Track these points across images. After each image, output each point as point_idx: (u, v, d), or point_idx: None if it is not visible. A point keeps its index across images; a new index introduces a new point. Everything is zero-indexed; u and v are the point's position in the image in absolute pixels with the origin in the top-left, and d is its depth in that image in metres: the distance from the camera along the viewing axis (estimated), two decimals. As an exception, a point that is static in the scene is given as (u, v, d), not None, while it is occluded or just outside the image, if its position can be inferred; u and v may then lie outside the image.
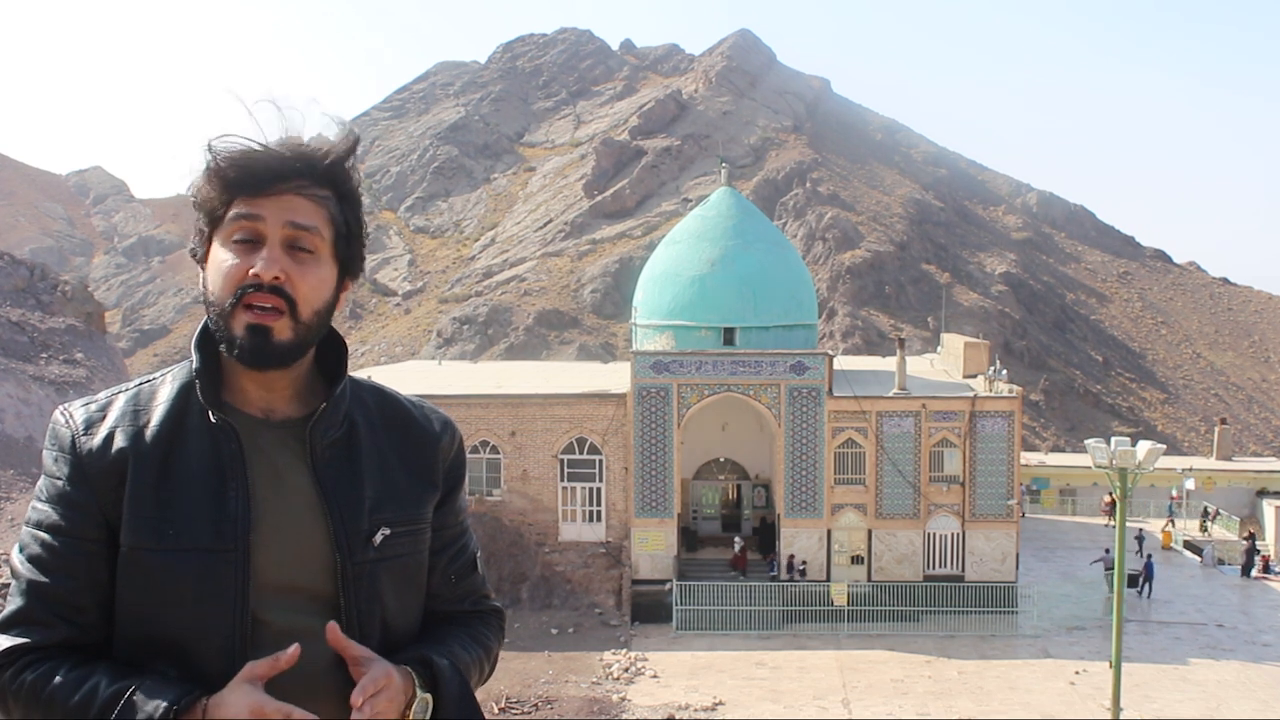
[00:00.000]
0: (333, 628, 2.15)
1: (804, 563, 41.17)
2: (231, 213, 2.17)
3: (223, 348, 2.22)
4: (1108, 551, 41.40)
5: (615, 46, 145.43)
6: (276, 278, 2.16)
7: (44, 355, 37.34)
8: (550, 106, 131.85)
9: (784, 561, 41.19)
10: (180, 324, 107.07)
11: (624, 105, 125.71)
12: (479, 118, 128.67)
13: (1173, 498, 53.13)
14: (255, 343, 2.17)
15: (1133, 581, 40.08)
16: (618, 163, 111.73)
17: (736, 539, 42.98)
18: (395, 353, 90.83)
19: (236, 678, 2.06)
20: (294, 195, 2.19)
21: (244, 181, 2.16)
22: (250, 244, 2.18)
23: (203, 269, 2.25)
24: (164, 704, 2.03)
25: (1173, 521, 50.99)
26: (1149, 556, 42.60)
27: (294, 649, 2.07)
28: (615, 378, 46.59)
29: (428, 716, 2.24)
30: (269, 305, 2.16)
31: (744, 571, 41.16)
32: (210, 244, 2.22)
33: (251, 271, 2.15)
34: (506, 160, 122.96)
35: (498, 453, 42.42)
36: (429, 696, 2.24)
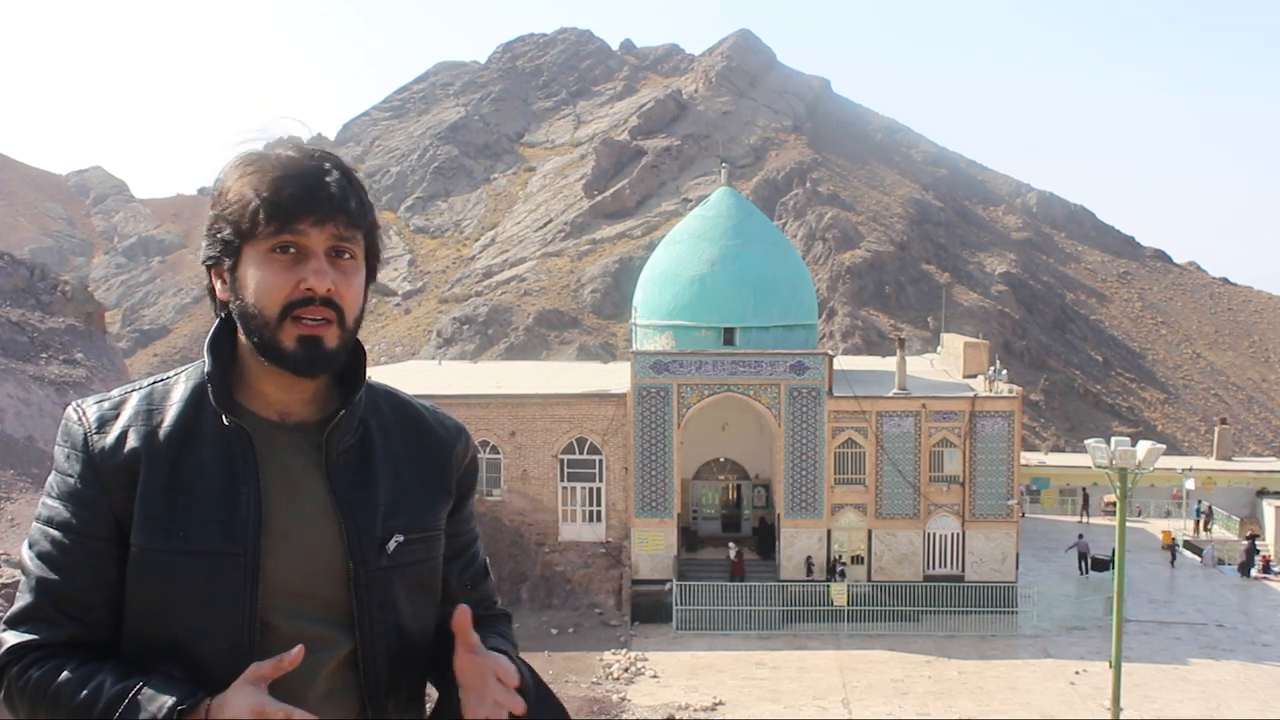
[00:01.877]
0: (463, 612, 2.18)
1: (844, 563, 41.14)
2: (272, 227, 2.14)
3: (265, 358, 2.20)
4: (1081, 537, 44.63)
5: (615, 46, 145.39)
6: (329, 290, 2.16)
7: (44, 355, 37.34)
8: (550, 106, 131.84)
9: (824, 562, 41.08)
10: (180, 324, 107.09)
11: (624, 105, 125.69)
12: (479, 118, 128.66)
13: (1174, 495, 53.14)
14: (309, 353, 2.17)
15: (1100, 565, 42.48)
16: (618, 163, 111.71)
17: (731, 544, 42.09)
18: (395, 353, 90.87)
19: (240, 678, 2.06)
20: (336, 214, 2.18)
21: (296, 210, 2.14)
22: (293, 254, 2.16)
23: (223, 278, 2.22)
24: (169, 703, 2.02)
25: (1199, 525, 50.81)
26: None
27: (298, 650, 2.06)
28: (615, 378, 46.59)
29: None
30: (321, 317, 2.17)
31: (743, 578, 40.79)
32: (240, 254, 2.18)
33: (304, 286, 2.14)
34: (506, 160, 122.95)
35: (498, 453, 42.43)
36: None
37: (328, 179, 2.18)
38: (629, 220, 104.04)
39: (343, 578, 2.24)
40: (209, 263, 2.24)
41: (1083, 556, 43.45)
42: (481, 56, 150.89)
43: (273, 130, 2.23)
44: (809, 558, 41.20)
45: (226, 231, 2.17)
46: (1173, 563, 45.43)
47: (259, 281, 2.16)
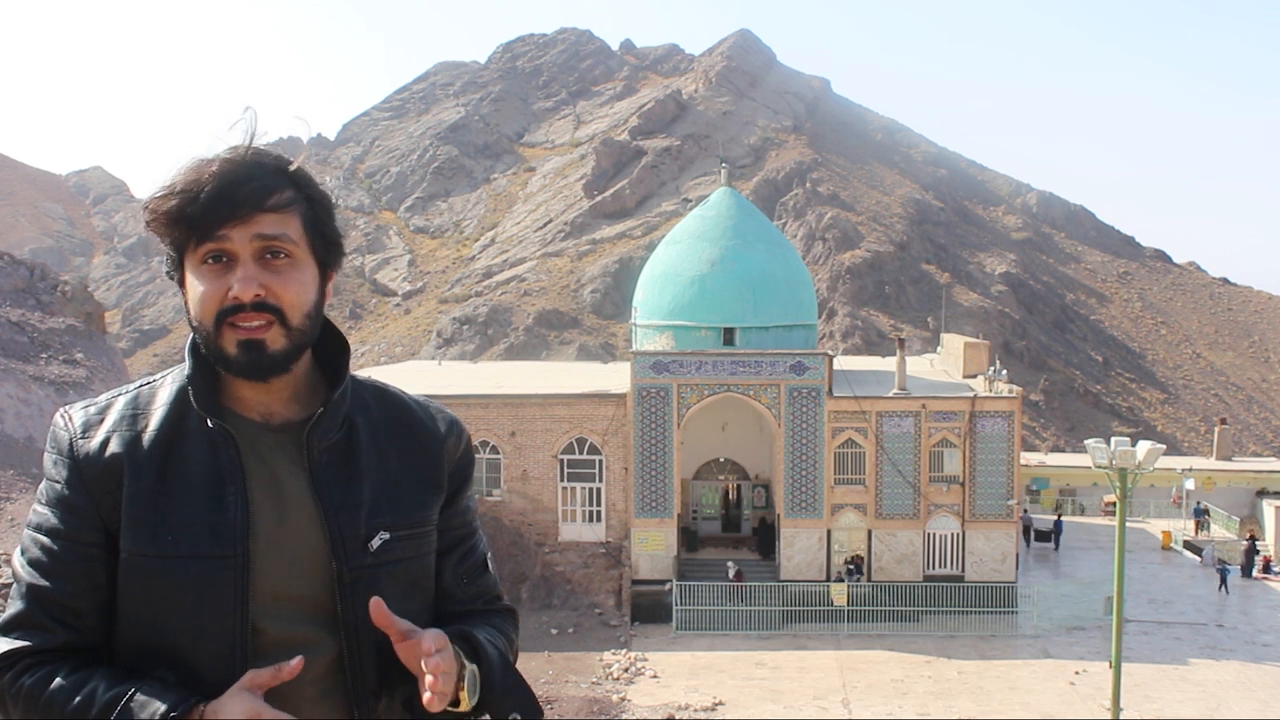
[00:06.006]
0: (377, 603, 2.11)
1: (855, 564, 41.19)
2: (195, 238, 2.13)
3: (216, 365, 2.19)
4: (1025, 512, 48.82)
5: (615, 46, 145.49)
6: (257, 295, 2.13)
7: (44, 355, 37.35)
8: (550, 106, 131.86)
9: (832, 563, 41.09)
10: (180, 324, 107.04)
11: (624, 105, 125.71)
12: (479, 118, 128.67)
13: (1174, 500, 53.16)
14: (251, 357, 2.15)
15: (1042, 536, 48.59)
16: (618, 163, 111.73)
17: (730, 563, 41.15)
18: (395, 353, 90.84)
19: (236, 685, 2.05)
20: (257, 214, 2.14)
21: (211, 219, 2.11)
22: (223, 262, 2.14)
23: (181, 288, 2.23)
24: (162, 709, 2.02)
25: (1201, 525, 50.71)
26: (1058, 516, 50.40)
27: (297, 661, 2.06)
28: (615, 378, 46.58)
29: (477, 687, 2.22)
30: (256, 323, 2.14)
31: (742, 597, 40.11)
32: (183, 267, 2.19)
33: (231, 295, 2.12)
34: (506, 160, 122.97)
35: (498, 453, 42.41)
36: (475, 667, 2.22)
37: (245, 181, 2.14)
38: (629, 220, 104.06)
39: (328, 578, 2.22)
40: (169, 276, 2.26)
41: (1026, 529, 47.12)
42: (481, 56, 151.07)
43: (239, 129, 2.21)
44: (852, 557, 41.31)
45: (167, 247, 2.19)
46: (1221, 586, 41.85)
47: (194, 293, 2.16)
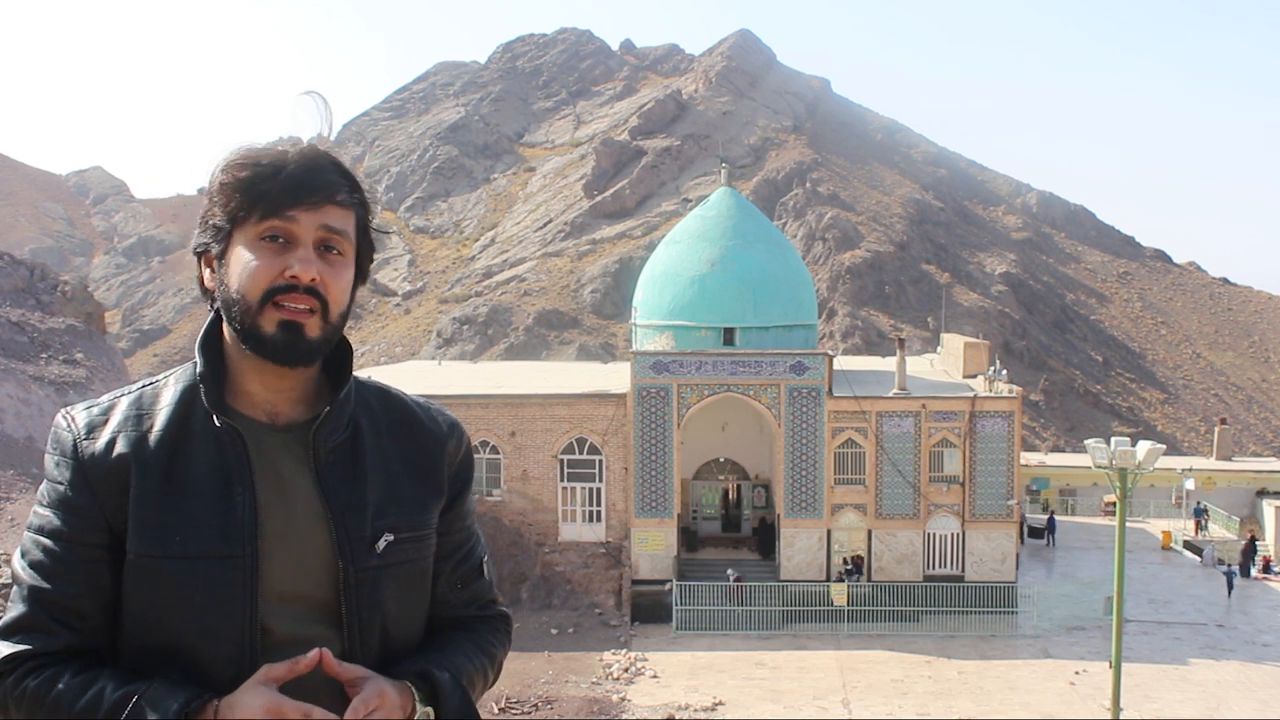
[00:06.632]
0: (325, 655, 2.11)
1: (855, 558, 41.15)
2: (261, 211, 2.15)
3: (245, 345, 2.18)
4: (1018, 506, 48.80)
5: (615, 46, 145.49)
6: (314, 279, 2.15)
7: (44, 355, 37.37)
8: (550, 106, 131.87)
9: (828, 563, 41.10)
10: (180, 324, 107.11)
11: (624, 105, 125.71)
12: (479, 118, 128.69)
13: (1175, 501, 53.17)
14: (288, 339, 2.16)
15: (1037, 533, 49.09)
16: (618, 163, 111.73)
17: (729, 571, 40.51)
18: (395, 353, 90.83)
19: (251, 679, 2.05)
20: (328, 204, 2.18)
21: (288, 197, 2.14)
22: (281, 243, 2.15)
23: (211, 266, 2.22)
24: (174, 706, 2.01)
25: (1201, 525, 50.69)
26: (1051, 513, 51.07)
27: (315, 653, 2.06)
28: (615, 378, 46.58)
29: None
30: (304, 306, 2.15)
31: (740, 602, 39.83)
32: (230, 240, 2.18)
33: (289, 273, 2.13)
34: (506, 160, 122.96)
35: (498, 453, 42.41)
36: (430, 710, 2.21)
37: (322, 170, 2.19)
38: (629, 220, 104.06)
39: (333, 578, 2.22)
40: (199, 249, 2.24)
41: (1019, 526, 45.88)
42: (481, 56, 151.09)
43: (299, 118, 2.24)
44: (852, 557, 41.32)
45: (219, 218, 2.18)
46: (1229, 592, 41.49)
47: (244, 266, 2.15)
